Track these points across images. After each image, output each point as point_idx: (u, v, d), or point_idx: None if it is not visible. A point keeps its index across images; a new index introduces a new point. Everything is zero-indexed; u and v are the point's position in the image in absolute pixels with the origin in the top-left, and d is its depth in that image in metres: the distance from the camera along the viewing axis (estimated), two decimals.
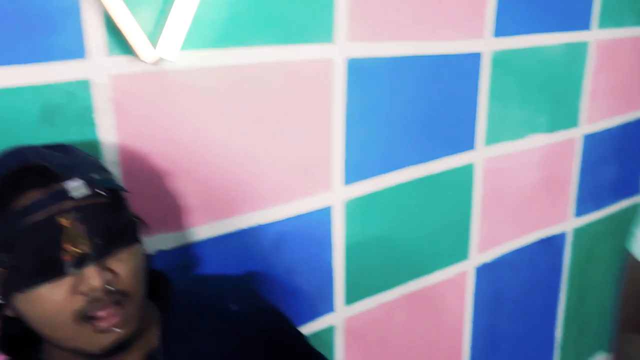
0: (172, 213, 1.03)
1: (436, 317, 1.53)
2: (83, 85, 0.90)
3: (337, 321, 1.32)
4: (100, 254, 0.71)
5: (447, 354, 1.59)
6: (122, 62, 0.92)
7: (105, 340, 0.73)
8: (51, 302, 0.70)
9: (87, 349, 0.73)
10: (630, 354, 0.70)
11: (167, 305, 0.87)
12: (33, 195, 0.70)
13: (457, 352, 1.62)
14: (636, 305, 0.72)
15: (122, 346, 0.75)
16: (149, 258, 0.82)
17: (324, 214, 1.22)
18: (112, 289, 0.71)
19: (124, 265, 0.73)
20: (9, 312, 0.75)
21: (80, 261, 0.70)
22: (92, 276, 0.70)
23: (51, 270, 0.69)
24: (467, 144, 1.44)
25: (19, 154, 0.73)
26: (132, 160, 0.96)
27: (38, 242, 0.68)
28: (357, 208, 1.27)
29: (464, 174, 1.46)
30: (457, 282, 1.54)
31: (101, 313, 0.71)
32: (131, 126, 0.95)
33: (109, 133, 0.92)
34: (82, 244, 0.70)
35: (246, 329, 0.90)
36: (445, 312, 1.55)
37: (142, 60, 0.92)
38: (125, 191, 0.77)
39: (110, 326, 0.72)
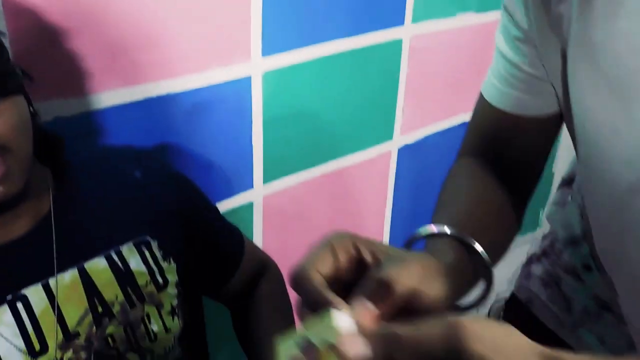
0: (72, 76, 0.95)
1: (357, 197, 1.53)
2: None
3: (256, 198, 1.30)
4: None
5: (368, 233, 1.61)
6: None
7: None
8: None
9: None
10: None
11: (61, 169, 0.81)
12: None
13: (377, 232, 1.64)
14: (474, 132, 0.73)
15: (5, 207, 0.70)
16: (36, 116, 0.75)
17: (242, 85, 1.16)
18: None
19: (2, 118, 0.66)
20: None
21: None
22: None
23: None
24: (396, 19, 1.38)
25: None
26: (20, 14, 0.86)
27: None
28: (276, 81, 1.21)
29: (391, 51, 1.41)
30: (379, 163, 1.53)
31: None
32: None
33: None
34: None
35: (150, 198, 0.86)
36: (366, 192, 1.55)
37: None
38: (3, 34, 0.68)
39: None
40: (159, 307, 0.81)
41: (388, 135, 1.51)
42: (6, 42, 0.69)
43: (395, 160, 1.56)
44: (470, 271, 0.56)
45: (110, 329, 0.77)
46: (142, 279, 0.81)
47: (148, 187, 0.86)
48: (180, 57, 1.05)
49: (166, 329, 0.81)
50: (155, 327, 0.80)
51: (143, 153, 0.99)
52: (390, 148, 1.54)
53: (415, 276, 0.43)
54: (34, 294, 0.74)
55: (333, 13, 1.25)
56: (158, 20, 1.00)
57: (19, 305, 0.73)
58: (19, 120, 0.68)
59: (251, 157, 1.24)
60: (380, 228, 1.64)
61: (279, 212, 1.35)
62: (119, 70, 0.99)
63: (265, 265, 1.02)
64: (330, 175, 1.42)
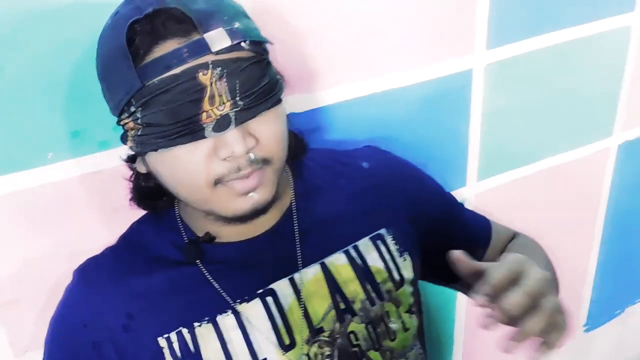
0: (303, 75, 0.96)
1: (568, 198, 1.43)
2: None
3: (468, 195, 1.25)
4: (243, 117, 0.64)
5: (576, 239, 1.50)
6: None
7: (241, 206, 0.68)
8: (187, 165, 0.65)
9: (221, 213, 0.70)
10: None
11: (300, 166, 0.83)
12: (169, 45, 0.62)
13: (587, 239, 1.52)
14: None
15: (258, 213, 0.71)
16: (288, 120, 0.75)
17: (462, 79, 1.12)
18: (253, 156, 0.65)
19: (267, 130, 0.66)
20: (141, 168, 0.73)
21: (221, 124, 0.63)
22: (234, 142, 0.63)
23: (188, 132, 0.63)
24: (626, 4, 1.26)
25: None
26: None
27: (174, 101, 0.62)
28: (498, 74, 1.16)
29: (619, 39, 1.29)
30: (595, 162, 1.42)
31: (239, 182, 0.67)
32: None
33: None
34: (223, 104, 0.63)
35: (379, 188, 0.84)
36: (578, 193, 1.44)
37: None
38: (270, 43, 0.69)
39: (248, 191, 0.67)
40: (397, 305, 0.80)
41: (607, 132, 1.40)
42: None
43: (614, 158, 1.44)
44: None
45: (352, 326, 0.77)
46: (380, 276, 0.80)
47: (376, 177, 0.85)
48: (403, 52, 1.04)
49: (405, 328, 0.80)
50: (394, 325, 0.79)
51: (366, 145, 0.96)
52: (609, 145, 1.42)
53: None
54: (282, 288, 0.75)
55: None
56: (379, 16, 0.99)
57: (269, 300, 0.75)
58: (282, 131, 0.69)
59: (466, 154, 1.20)
60: (590, 236, 1.53)
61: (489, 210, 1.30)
62: (343, 67, 0.99)
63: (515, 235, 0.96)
64: (543, 173, 1.34)
